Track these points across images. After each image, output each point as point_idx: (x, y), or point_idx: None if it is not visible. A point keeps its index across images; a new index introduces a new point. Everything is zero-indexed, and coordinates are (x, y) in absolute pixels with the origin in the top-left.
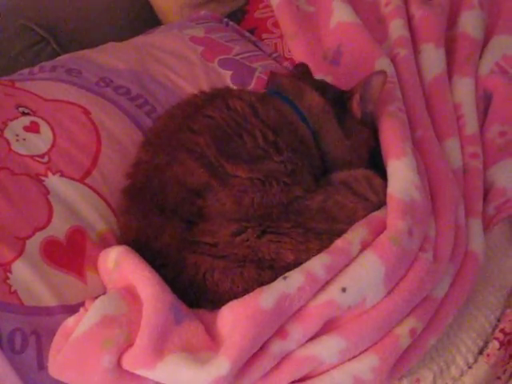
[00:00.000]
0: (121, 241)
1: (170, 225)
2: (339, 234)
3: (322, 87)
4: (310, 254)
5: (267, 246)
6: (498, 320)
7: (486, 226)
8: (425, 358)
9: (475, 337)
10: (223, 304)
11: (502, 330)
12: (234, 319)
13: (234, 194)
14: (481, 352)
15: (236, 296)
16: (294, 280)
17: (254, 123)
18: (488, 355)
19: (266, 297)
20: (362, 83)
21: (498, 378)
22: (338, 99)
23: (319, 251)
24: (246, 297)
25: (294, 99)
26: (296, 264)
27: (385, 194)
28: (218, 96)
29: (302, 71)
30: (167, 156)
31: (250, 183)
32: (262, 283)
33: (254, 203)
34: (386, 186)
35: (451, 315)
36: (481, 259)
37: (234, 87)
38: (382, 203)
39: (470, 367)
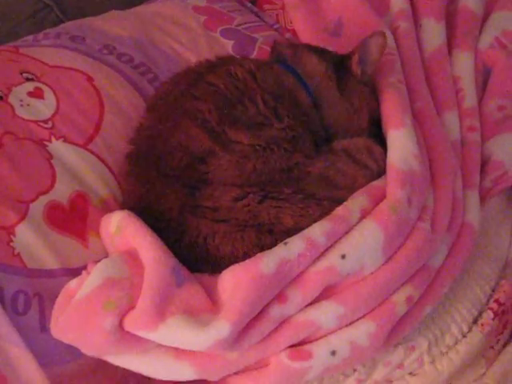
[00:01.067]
0: (123, 205)
1: (173, 189)
2: (339, 200)
3: (321, 51)
4: (309, 220)
5: (267, 210)
6: (493, 290)
7: (483, 199)
8: (420, 326)
9: (470, 306)
10: (224, 268)
11: (496, 301)
12: (235, 283)
13: (237, 159)
14: (475, 321)
15: (236, 260)
16: (295, 246)
17: (254, 89)
18: (482, 325)
19: (267, 262)
20: (361, 44)
21: (492, 347)
22: (338, 62)
23: (319, 217)
24: (247, 261)
25: (295, 65)
26: (296, 229)
27: (384, 163)
28: (221, 64)
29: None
30: (170, 122)
31: (252, 149)
32: (262, 247)
33: (255, 169)
34: (385, 155)
35: (447, 284)
36: (477, 230)
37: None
38: (381, 171)
39: (464, 336)
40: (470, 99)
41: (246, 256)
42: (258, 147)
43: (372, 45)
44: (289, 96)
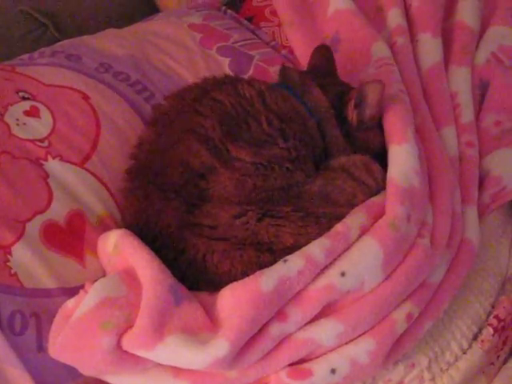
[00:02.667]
0: (123, 221)
1: (172, 206)
2: (339, 217)
3: (327, 85)
4: (308, 238)
5: (266, 229)
6: (493, 307)
7: (481, 214)
8: (420, 343)
9: (470, 323)
10: (223, 286)
11: (496, 317)
12: (234, 301)
13: (237, 177)
14: (475, 338)
15: (235, 278)
16: (295, 263)
17: (260, 109)
18: (482, 341)
19: (266, 279)
20: (357, 92)
21: (492, 363)
22: (340, 99)
23: (318, 235)
24: (247, 279)
25: (301, 95)
26: (295, 247)
27: (383, 180)
28: (228, 82)
29: (322, 54)
30: (172, 137)
31: (254, 167)
32: (261, 266)
33: (255, 187)
34: (383, 172)
35: (447, 301)
36: (476, 247)
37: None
38: (380, 188)
39: (464, 353)
40: (467, 115)
41: (245, 274)
42: (259, 165)
43: (367, 93)
44: (297, 119)
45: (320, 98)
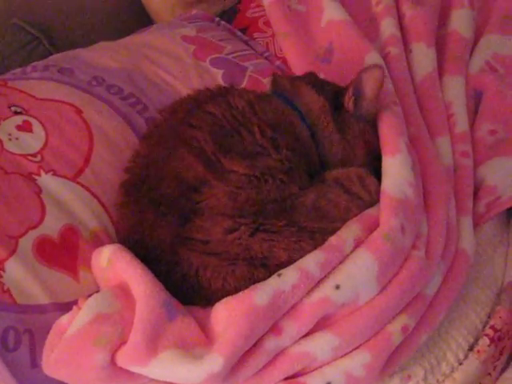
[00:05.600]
0: (117, 236)
1: (165, 220)
2: (333, 232)
3: (320, 84)
4: (302, 254)
5: (259, 244)
6: (489, 317)
7: (476, 224)
8: (416, 354)
9: (466, 333)
10: (216, 301)
11: (492, 327)
12: (229, 315)
13: (230, 189)
14: (471, 348)
15: (228, 294)
16: (289, 277)
17: (252, 119)
18: (478, 352)
19: (261, 294)
20: (356, 78)
21: (489, 374)
22: (335, 95)
23: (312, 250)
24: (241, 293)
25: (292, 98)
26: (289, 263)
27: (377, 193)
28: (220, 94)
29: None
30: (165, 150)
31: (247, 180)
32: (255, 282)
33: (248, 199)
34: (378, 185)
35: (443, 312)
36: (471, 257)
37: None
38: (374, 202)
39: (460, 364)
40: (461, 124)
41: (238, 290)
42: (252, 178)
43: (367, 79)
44: (288, 128)
45: (311, 95)
